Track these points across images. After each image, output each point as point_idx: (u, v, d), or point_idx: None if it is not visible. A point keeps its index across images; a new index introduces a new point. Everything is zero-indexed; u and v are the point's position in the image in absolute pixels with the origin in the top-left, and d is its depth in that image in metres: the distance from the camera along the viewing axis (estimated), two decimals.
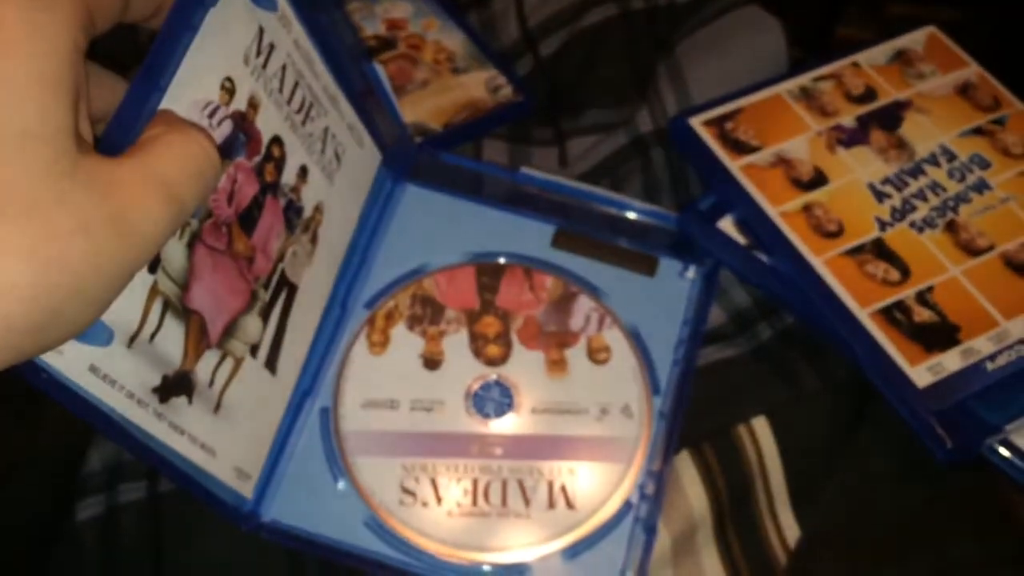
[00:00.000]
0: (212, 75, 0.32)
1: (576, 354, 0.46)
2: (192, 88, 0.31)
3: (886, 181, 0.47)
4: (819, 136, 0.49)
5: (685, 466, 0.43)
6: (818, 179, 0.48)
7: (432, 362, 0.45)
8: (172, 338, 0.32)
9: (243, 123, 0.35)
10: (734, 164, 0.48)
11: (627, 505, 0.42)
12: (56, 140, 0.23)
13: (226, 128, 0.34)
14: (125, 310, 0.30)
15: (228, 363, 0.36)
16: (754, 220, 0.47)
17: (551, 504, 0.42)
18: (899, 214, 0.46)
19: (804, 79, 0.52)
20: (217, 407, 0.36)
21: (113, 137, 0.26)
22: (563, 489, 0.43)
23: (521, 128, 0.56)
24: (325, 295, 0.43)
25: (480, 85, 0.57)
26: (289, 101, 0.38)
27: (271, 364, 0.39)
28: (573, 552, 0.42)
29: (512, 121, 0.56)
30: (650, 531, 0.41)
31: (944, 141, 0.49)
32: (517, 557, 0.41)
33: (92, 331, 0.28)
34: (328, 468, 0.42)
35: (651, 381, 0.45)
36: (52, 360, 0.27)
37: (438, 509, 0.42)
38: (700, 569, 0.42)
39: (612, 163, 0.53)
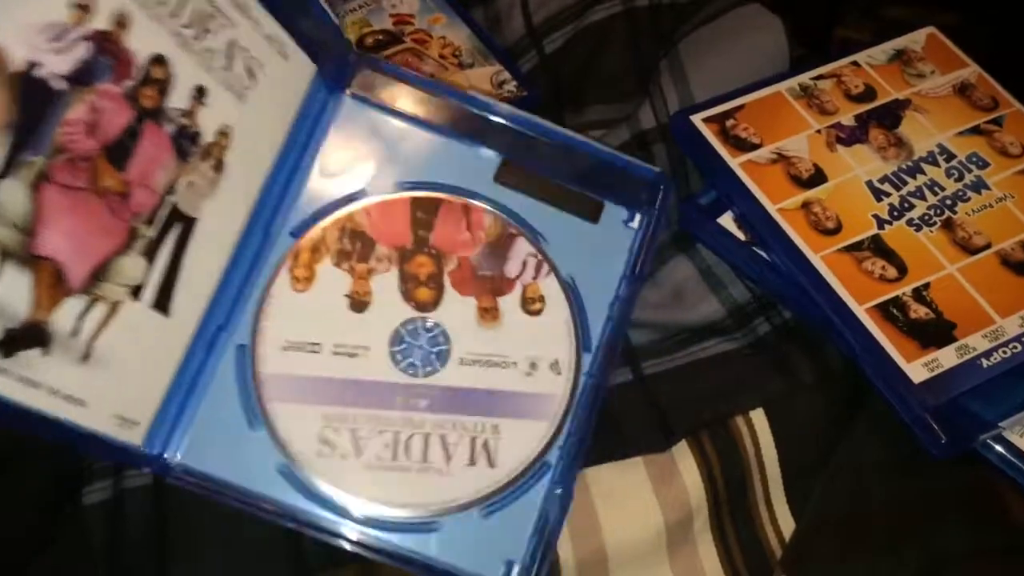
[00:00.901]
0: None
1: (510, 303, 0.42)
2: (21, 10, 0.27)
3: (885, 179, 0.48)
4: (819, 134, 0.49)
5: (683, 455, 0.43)
6: (817, 177, 0.48)
7: (358, 303, 0.42)
8: (13, 288, 0.29)
9: (105, 43, 0.30)
10: (734, 161, 0.48)
11: (545, 466, 0.40)
12: None
13: (80, 51, 0.30)
14: None
15: (99, 308, 0.33)
16: (753, 216, 0.46)
17: (472, 461, 0.40)
18: (897, 212, 0.46)
19: (804, 77, 0.52)
20: (85, 356, 0.33)
21: None
22: (485, 446, 0.40)
23: None
24: (237, 225, 0.40)
25: (485, 80, 0.57)
26: (176, 14, 0.33)
27: (162, 304, 0.36)
28: (488, 510, 0.39)
29: None
30: (566, 494, 0.39)
31: (942, 140, 0.49)
32: (432, 514, 0.39)
33: None
34: (243, 412, 0.40)
35: (583, 337, 0.41)
36: None
37: (356, 461, 0.40)
38: (696, 557, 0.42)
39: None
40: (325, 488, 0.39)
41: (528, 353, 0.41)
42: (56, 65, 0.29)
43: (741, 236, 0.47)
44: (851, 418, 0.44)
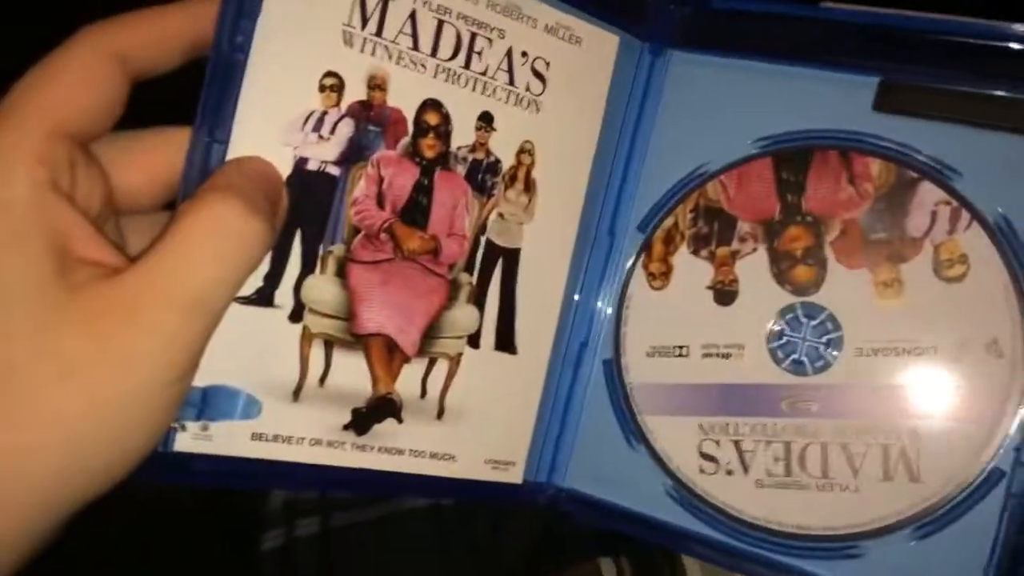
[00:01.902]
0: (299, 84, 0.28)
1: (917, 269, 0.32)
2: (272, 114, 0.27)
3: None
4: None
5: None
6: None
7: (725, 294, 0.36)
8: (349, 371, 0.30)
9: (368, 112, 0.29)
10: None
11: (995, 474, 0.31)
12: (30, 289, 0.22)
13: (345, 131, 0.29)
14: (272, 371, 0.29)
15: (441, 366, 0.33)
16: None
17: (887, 475, 0.32)
18: None
19: None
20: (440, 413, 0.33)
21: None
22: (903, 455, 0.32)
23: None
24: (569, 240, 0.36)
25: None
26: (434, 51, 0.31)
27: (506, 344, 0.35)
28: (921, 532, 0.31)
29: None
30: None
31: None
32: (849, 537, 0.32)
33: (228, 408, 0.28)
34: (619, 429, 0.37)
35: None
36: (202, 447, 0.27)
37: (745, 478, 0.34)
38: None
39: None
40: (717, 509, 0.35)
41: (951, 332, 0.31)
42: (325, 153, 0.29)
43: None
44: None
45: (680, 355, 0.36)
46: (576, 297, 0.37)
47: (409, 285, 0.32)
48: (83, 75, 0.24)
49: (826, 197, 0.34)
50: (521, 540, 0.44)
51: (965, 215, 0.31)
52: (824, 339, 0.34)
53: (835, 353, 0.33)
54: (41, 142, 0.22)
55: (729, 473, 0.35)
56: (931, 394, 0.31)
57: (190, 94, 0.26)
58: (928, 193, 0.32)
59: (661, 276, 0.37)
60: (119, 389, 0.22)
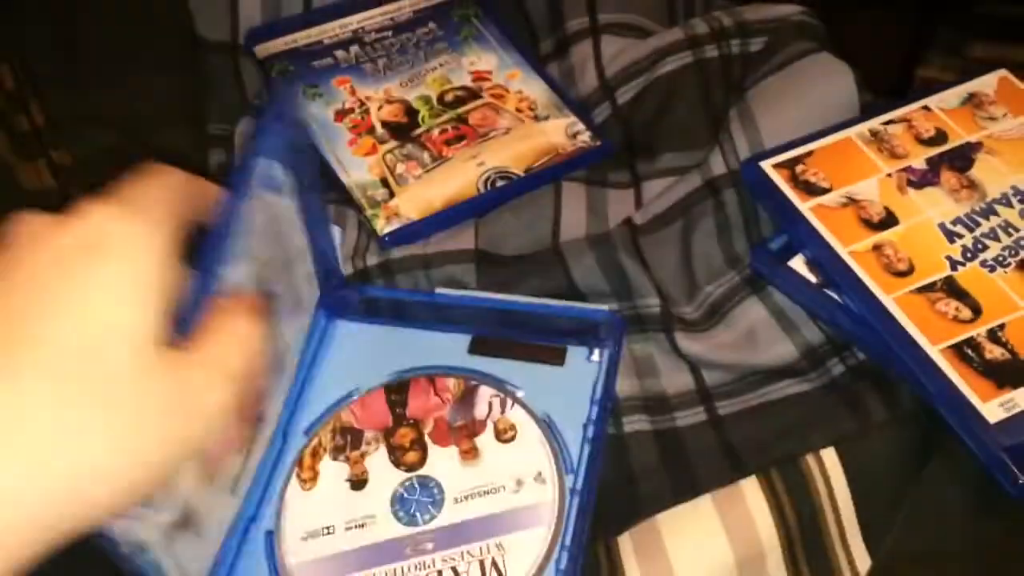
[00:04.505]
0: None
1: (485, 439, 0.48)
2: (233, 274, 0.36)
3: (957, 221, 0.48)
4: (889, 178, 0.51)
5: (754, 495, 0.43)
6: (888, 219, 0.49)
7: (358, 482, 0.48)
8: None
9: None
10: (804, 205, 0.50)
11: (555, 563, 0.44)
12: (144, 338, 0.26)
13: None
14: None
15: None
16: (825, 259, 0.48)
17: None
18: (970, 253, 0.47)
19: (874, 123, 0.53)
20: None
21: (181, 325, 0.29)
22: (494, 563, 0.44)
23: (598, 172, 0.60)
24: (266, 438, 0.48)
25: (560, 131, 0.61)
26: None
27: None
28: None
29: (590, 165, 0.60)
30: None
31: (1015, 182, 0.50)
32: None
33: None
34: None
35: (563, 458, 0.47)
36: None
37: None
38: None
39: (686, 204, 0.56)
40: None
41: (511, 473, 0.46)
42: None
43: (812, 279, 0.49)
44: (927, 457, 0.44)
45: (328, 533, 0.46)
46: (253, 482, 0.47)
47: None
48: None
49: (421, 406, 0.50)
50: None
51: (509, 400, 0.49)
52: (430, 498, 0.47)
53: (439, 506, 0.46)
54: (171, 217, 0.29)
55: None
56: (506, 517, 0.45)
57: None
58: (485, 391, 0.50)
59: (310, 480, 0.48)
60: (184, 436, 0.27)
